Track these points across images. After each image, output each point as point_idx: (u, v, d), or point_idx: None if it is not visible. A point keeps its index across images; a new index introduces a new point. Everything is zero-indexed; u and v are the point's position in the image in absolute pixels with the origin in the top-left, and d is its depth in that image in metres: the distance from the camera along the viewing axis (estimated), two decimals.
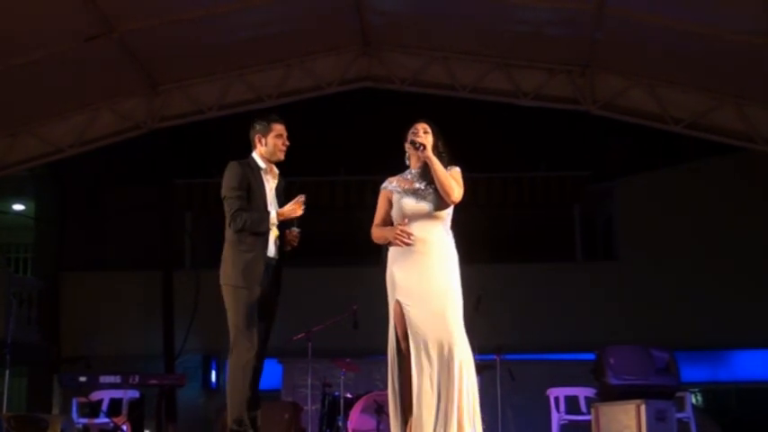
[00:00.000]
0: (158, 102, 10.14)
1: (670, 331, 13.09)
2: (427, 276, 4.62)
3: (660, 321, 13.31)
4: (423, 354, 4.50)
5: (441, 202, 4.69)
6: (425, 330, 4.53)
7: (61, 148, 10.23)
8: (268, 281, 5.28)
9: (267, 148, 5.40)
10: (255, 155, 5.43)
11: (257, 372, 5.27)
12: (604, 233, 15.98)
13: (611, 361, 8.00)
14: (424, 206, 4.68)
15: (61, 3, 8.02)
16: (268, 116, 5.52)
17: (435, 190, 4.70)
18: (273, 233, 5.31)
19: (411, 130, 4.85)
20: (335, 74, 10.30)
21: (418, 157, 4.81)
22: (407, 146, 4.84)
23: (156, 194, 14.46)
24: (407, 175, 4.87)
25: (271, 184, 5.40)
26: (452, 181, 4.67)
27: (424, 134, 4.79)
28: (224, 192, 5.33)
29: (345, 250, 14.61)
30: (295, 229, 5.34)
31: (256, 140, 5.43)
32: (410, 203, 4.71)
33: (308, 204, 5.27)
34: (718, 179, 14.23)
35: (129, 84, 9.83)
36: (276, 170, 5.47)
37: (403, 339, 4.59)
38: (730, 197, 14.06)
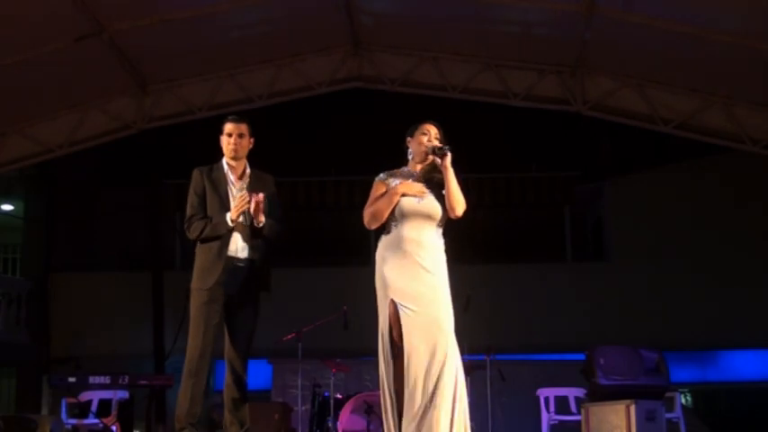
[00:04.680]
0: (148, 102, 10.11)
1: (660, 331, 13.12)
2: (420, 279, 4.52)
3: (650, 322, 13.34)
4: (414, 358, 4.39)
5: (440, 207, 4.63)
6: (419, 335, 4.43)
7: (51, 148, 10.18)
8: (235, 282, 5.12)
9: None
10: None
11: (239, 378, 5.17)
12: (594, 234, 16.02)
13: (601, 361, 8.00)
14: (424, 208, 4.61)
15: (51, 2, 7.99)
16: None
17: (437, 194, 4.65)
18: (242, 232, 5.13)
19: (421, 131, 4.74)
20: (326, 74, 10.29)
21: (423, 159, 4.72)
22: (422, 148, 4.70)
23: (146, 195, 14.43)
24: (408, 174, 4.77)
25: (240, 185, 5.24)
26: (462, 197, 4.61)
27: (435, 139, 4.71)
28: None
29: (336, 250, 14.63)
30: (261, 194, 5.07)
31: None
32: (411, 202, 4.61)
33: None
34: (708, 180, 14.28)
35: (119, 84, 9.80)
36: (248, 170, 5.31)
37: (399, 340, 4.46)
38: (719, 197, 14.11)
